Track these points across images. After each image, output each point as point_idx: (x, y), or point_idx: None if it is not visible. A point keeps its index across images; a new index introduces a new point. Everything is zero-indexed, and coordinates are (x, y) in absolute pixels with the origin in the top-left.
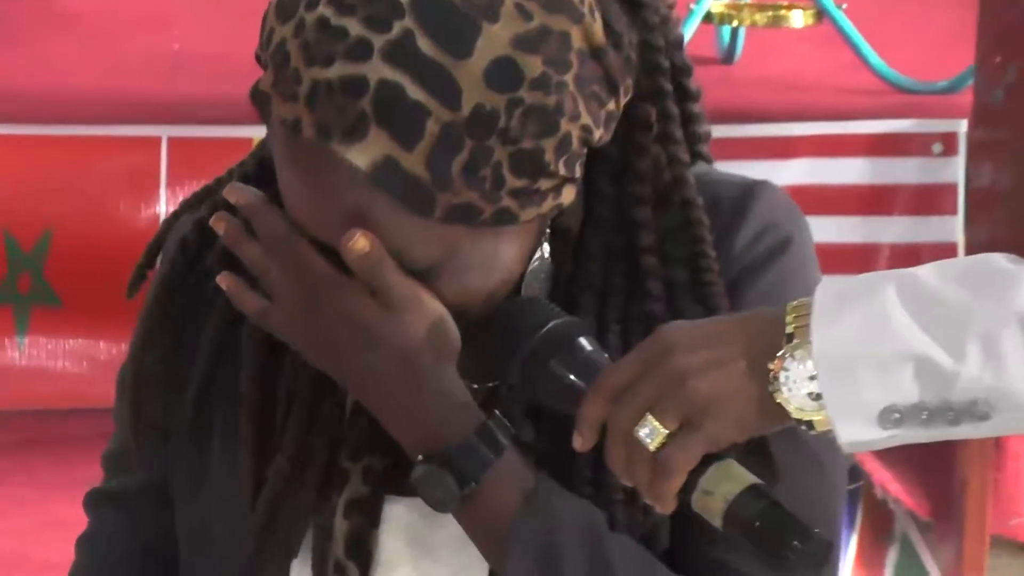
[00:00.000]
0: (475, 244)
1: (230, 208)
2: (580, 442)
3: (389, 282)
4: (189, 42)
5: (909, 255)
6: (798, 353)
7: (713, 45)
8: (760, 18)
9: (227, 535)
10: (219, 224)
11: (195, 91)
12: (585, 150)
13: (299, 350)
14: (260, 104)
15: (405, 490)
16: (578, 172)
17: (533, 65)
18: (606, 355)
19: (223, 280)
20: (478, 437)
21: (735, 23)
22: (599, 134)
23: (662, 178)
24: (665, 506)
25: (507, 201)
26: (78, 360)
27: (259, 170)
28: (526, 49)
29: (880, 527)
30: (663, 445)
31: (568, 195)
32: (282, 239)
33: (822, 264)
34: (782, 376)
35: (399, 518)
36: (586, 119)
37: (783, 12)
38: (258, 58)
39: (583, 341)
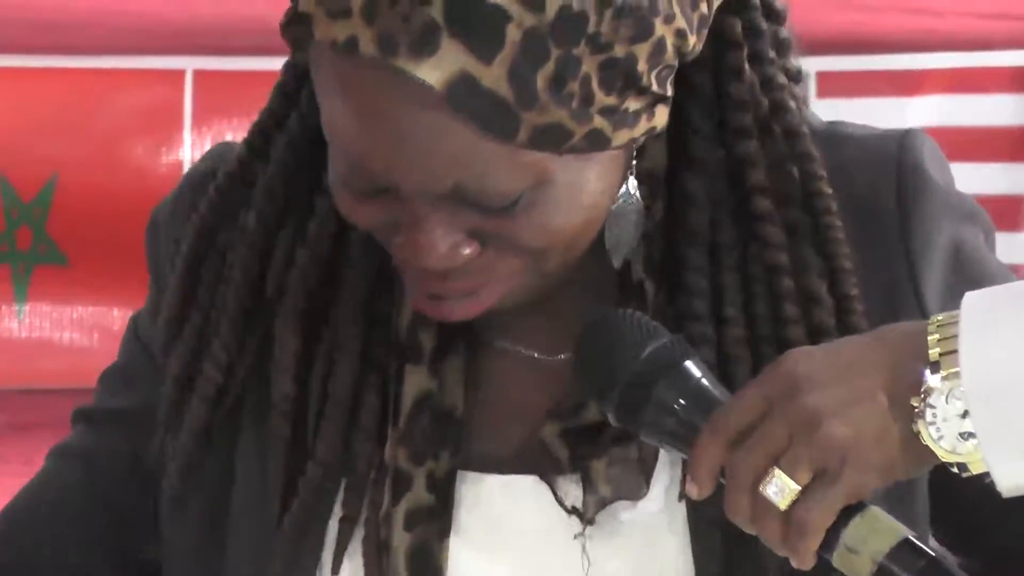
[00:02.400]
0: (561, 174)
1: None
2: (695, 490)
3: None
4: None
5: None
6: (946, 387)
7: None
8: None
9: (251, 554)
10: (693, 490)
11: (227, 13)
12: (677, 63)
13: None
14: (297, 29)
15: (480, 465)
16: (670, 90)
17: None
18: (715, 382)
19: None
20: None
21: None
22: (692, 41)
23: (760, 106)
24: (802, 563)
25: (598, 121)
26: (87, 330)
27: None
28: None
29: None
30: (795, 501)
31: (661, 117)
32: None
33: None
34: (928, 414)
35: (475, 508)
36: (680, 21)
37: None
38: None
39: (691, 365)
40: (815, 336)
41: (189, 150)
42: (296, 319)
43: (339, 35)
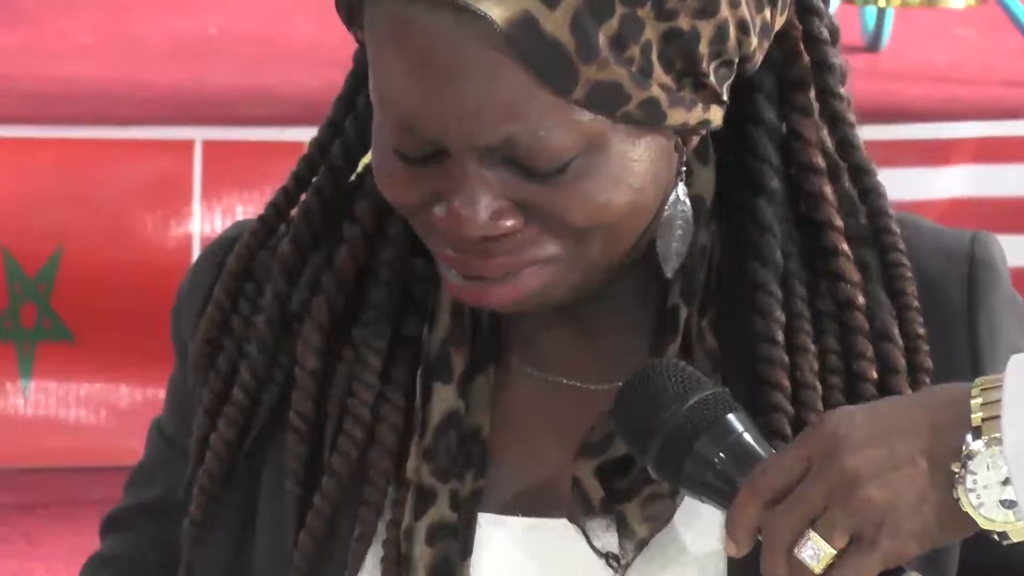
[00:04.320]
0: (614, 144)
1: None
2: (732, 548)
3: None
4: (229, 24)
5: None
6: (987, 453)
7: (856, 29)
8: None
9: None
10: (731, 548)
11: (236, 84)
12: (735, 62)
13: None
14: None
15: (503, 508)
16: (726, 94)
17: None
18: (758, 437)
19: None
20: None
21: (881, 3)
22: (753, 44)
23: (827, 143)
24: None
25: (656, 91)
26: (94, 407)
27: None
28: None
29: None
30: (831, 565)
31: (716, 115)
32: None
33: None
34: (968, 480)
35: (496, 544)
36: (745, 12)
37: None
38: None
39: (733, 419)
40: (886, 374)
41: (199, 222)
42: (317, 339)
43: None
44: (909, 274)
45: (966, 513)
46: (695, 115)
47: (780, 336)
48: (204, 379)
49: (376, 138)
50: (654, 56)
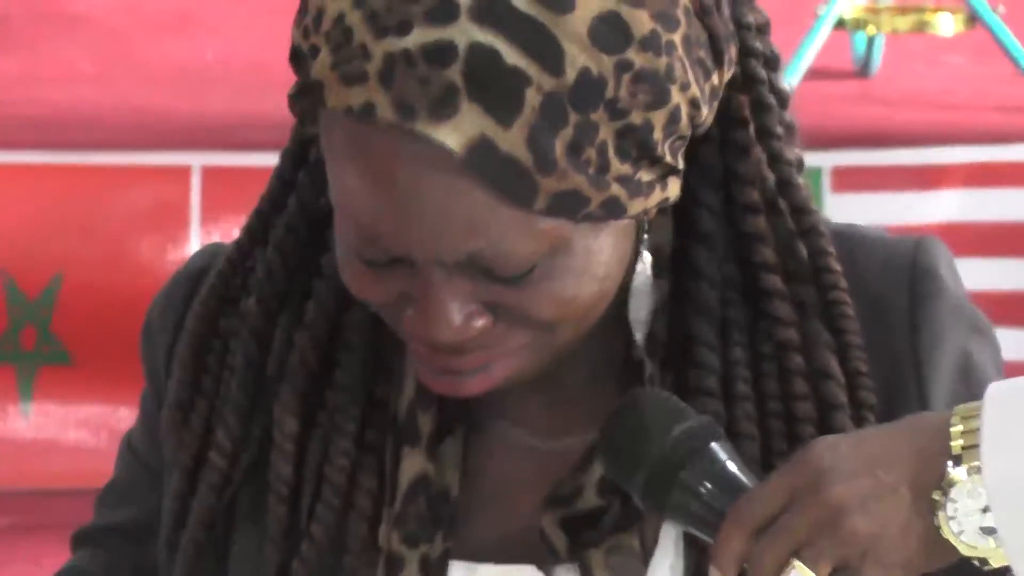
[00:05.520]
0: (576, 242)
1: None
2: None
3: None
4: (226, 51)
5: None
6: (968, 482)
7: (847, 55)
8: (902, 24)
9: None
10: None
11: (233, 110)
12: (688, 135)
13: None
14: (306, 98)
15: (476, 556)
16: (681, 163)
17: (641, 21)
18: (741, 466)
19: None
20: None
21: (872, 30)
22: (704, 113)
23: (766, 181)
24: None
25: (615, 189)
26: (93, 430)
27: (298, 170)
28: (631, 2)
29: None
30: None
31: (674, 188)
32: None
33: None
34: (950, 508)
35: None
36: (695, 90)
37: (928, 17)
38: (296, 52)
39: (717, 448)
40: (826, 412)
41: (197, 247)
42: (295, 403)
43: (355, 101)
44: (850, 312)
45: (948, 540)
46: (654, 198)
47: (715, 386)
48: (179, 440)
49: (339, 238)
50: (610, 154)
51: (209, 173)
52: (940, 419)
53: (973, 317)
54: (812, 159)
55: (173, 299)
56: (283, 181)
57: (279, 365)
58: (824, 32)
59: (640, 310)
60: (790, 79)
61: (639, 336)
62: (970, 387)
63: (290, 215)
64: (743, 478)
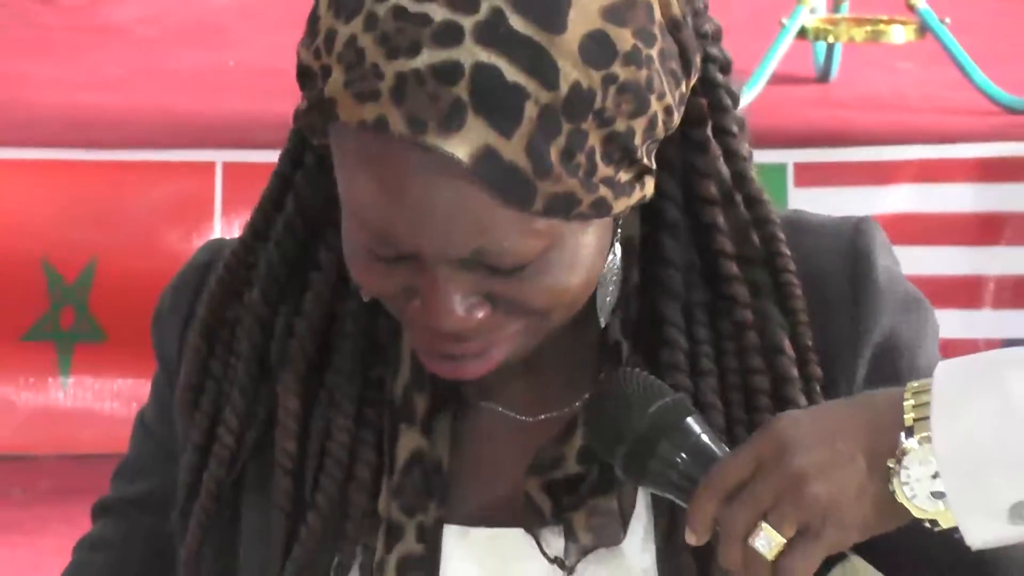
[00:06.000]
0: (568, 238)
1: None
2: (693, 538)
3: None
4: (245, 57)
5: (1017, 289)
6: (919, 451)
7: (808, 62)
8: (858, 33)
9: None
10: (691, 538)
11: (252, 111)
12: (661, 138)
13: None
14: (318, 115)
15: (467, 521)
16: (654, 163)
17: (624, 38)
18: (713, 438)
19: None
20: None
21: (831, 39)
22: (675, 117)
23: (722, 175)
24: None
25: (603, 190)
26: (125, 401)
27: (297, 168)
28: (616, 20)
29: None
30: (781, 552)
31: (649, 187)
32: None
33: (927, 297)
34: (903, 474)
35: (464, 560)
36: (669, 99)
37: (882, 27)
38: (305, 71)
39: (691, 422)
40: (779, 384)
41: (219, 236)
42: (296, 384)
43: (368, 116)
44: (799, 293)
45: (901, 504)
46: (635, 197)
47: (683, 362)
48: (190, 419)
49: (347, 236)
50: (597, 158)
51: (230, 168)
52: (893, 395)
53: (905, 295)
54: (777, 156)
55: (182, 291)
56: (282, 180)
57: (281, 351)
58: (787, 41)
59: (606, 297)
60: (757, 84)
61: (603, 320)
62: (886, 369)
63: (289, 214)
64: (715, 449)
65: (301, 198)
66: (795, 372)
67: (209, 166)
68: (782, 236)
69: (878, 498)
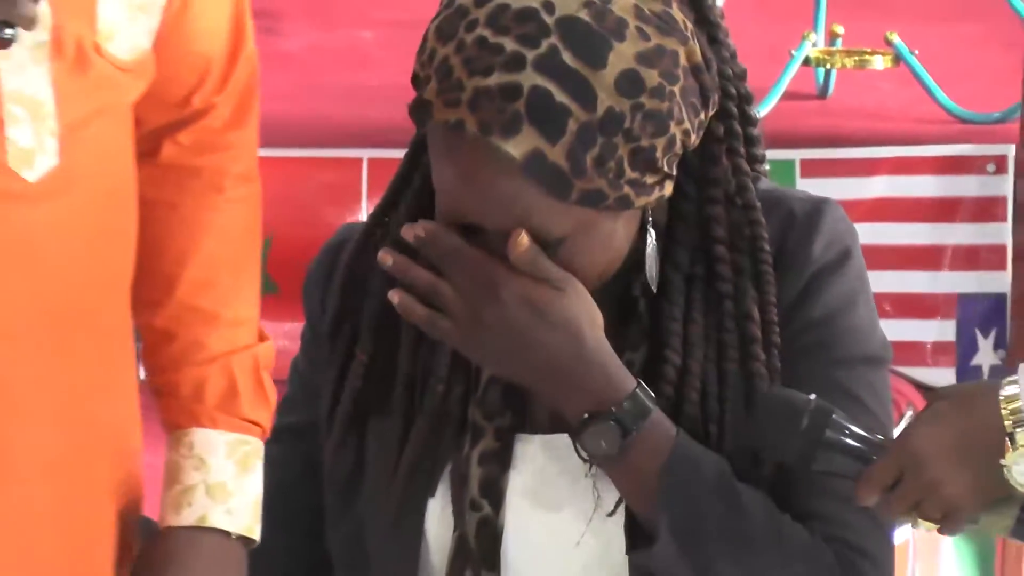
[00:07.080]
0: (598, 225)
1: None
2: (865, 503)
3: (548, 268)
4: (384, 76)
5: (969, 254)
6: (1021, 451)
7: (810, 83)
8: (849, 62)
9: (376, 504)
10: (386, 259)
11: (390, 118)
12: (681, 153)
13: (469, 351)
14: (420, 111)
15: (533, 428)
16: (675, 171)
17: (652, 77)
18: (850, 421)
19: (395, 296)
20: (639, 391)
21: (828, 66)
22: (693, 139)
23: (729, 183)
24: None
25: (626, 189)
26: (292, 339)
27: (407, 184)
28: (646, 64)
29: None
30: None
31: (668, 189)
32: (459, 248)
33: (898, 261)
34: (1015, 471)
35: (526, 457)
36: (687, 125)
37: (867, 57)
38: (416, 77)
39: (835, 418)
40: (746, 342)
41: (365, 216)
42: (413, 333)
43: (450, 118)
44: (772, 279)
45: (1014, 487)
46: (654, 196)
47: (679, 315)
48: (332, 352)
49: (436, 207)
50: (625, 165)
51: (374, 163)
52: (992, 403)
53: (858, 266)
54: (787, 155)
55: (322, 264)
56: (401, 178)
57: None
58: (795, 67)
59: (651, 268)
60: (772, 100)
61: (654, 287)
62: (831, 330)
63: (413, 190)
64: (857, 428)
65: (418, 186)
66: (759, 334)
67: (357, 161)
68: (766, 235)
69: (994, 486)
